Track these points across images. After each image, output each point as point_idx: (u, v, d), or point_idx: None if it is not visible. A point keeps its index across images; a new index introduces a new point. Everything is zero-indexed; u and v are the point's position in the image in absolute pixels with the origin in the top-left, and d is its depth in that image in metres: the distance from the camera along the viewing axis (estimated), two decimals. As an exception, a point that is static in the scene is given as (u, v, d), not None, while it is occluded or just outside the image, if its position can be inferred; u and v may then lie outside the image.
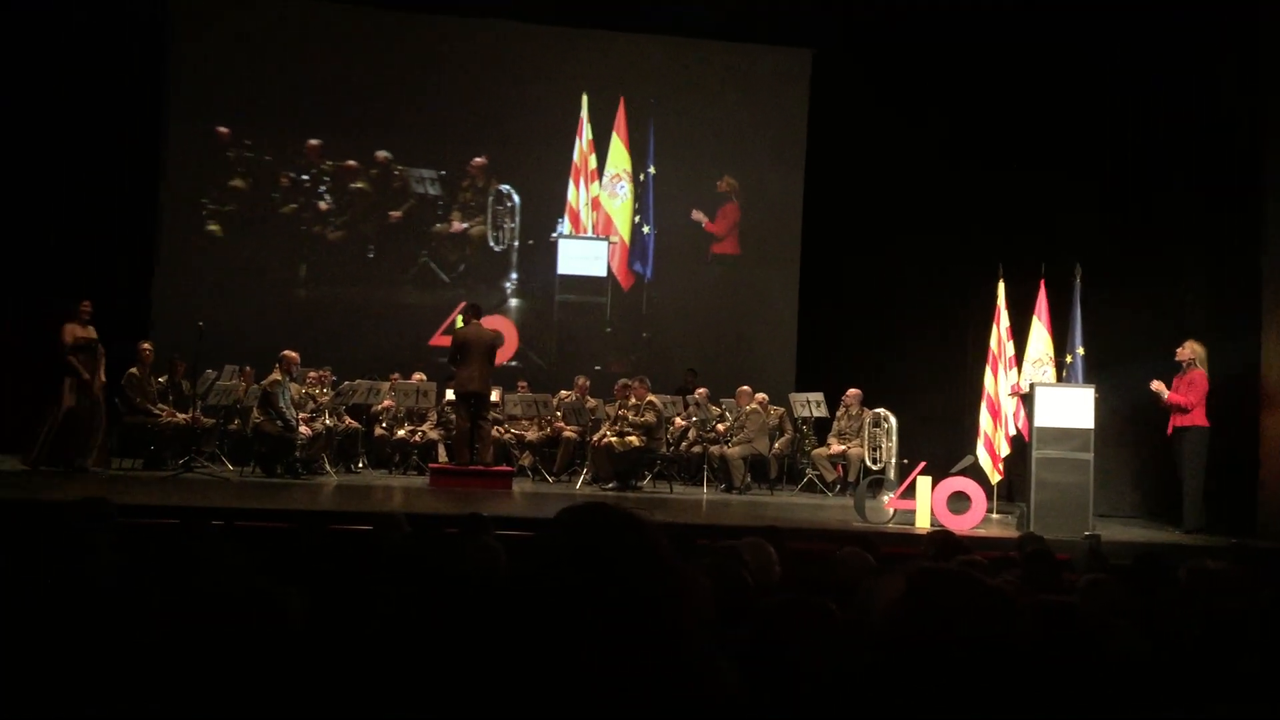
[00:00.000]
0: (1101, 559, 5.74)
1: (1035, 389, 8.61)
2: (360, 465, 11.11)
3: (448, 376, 11.24)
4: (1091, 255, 9.69)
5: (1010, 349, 9.69)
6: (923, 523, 8.38)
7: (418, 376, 11.21)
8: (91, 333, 9.53)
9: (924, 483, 8.53)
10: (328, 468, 10.47)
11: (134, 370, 10.19)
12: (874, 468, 9.81)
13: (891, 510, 8.67)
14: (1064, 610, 2.50)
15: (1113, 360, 9.65)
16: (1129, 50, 10.44)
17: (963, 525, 8.22)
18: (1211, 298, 9.83)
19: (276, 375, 10.08)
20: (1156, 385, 8.83)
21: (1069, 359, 9.33)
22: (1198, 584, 3.67)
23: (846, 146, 12.31)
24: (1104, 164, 10.70)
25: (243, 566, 3.22)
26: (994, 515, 9.25)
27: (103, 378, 9.59)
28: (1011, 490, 10.00)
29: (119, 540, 3.50)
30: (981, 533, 8.20)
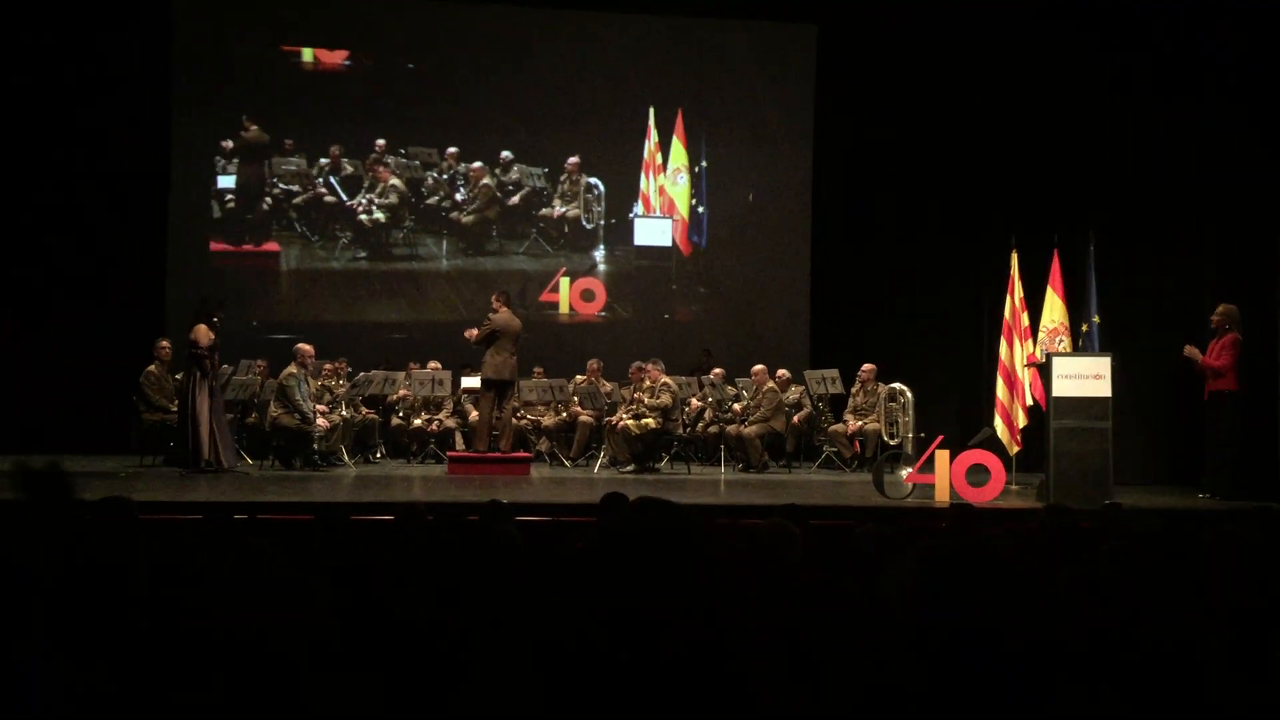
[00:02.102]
0: (1123, 527, 5.71)
1: (1052, 359, 8.55)
2: (378, 455, 11.18)
3: (463, 365, 11.31)
4: (1106, 223, 9.60)
5: (1025, 319, 9.62)
6: (942, 496, 8.37)
7: (433, 365, 11.31)
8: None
9: (942, 456, 8.50)
10: (346, 459, 10.53)
11: (152, 368, 10.23)
12: (891, 443, 9.79)
13: (910, 485, 8.65)
14: (1090, 582, 2.50)
15: (1130, 328, 9.58)
16: (1135, 17, 10.32)
17: (982, 497, 8.21)
18: (1231, 263, 9.74)
19: (292, 369, 10.12)
20: (1190, 350, 8.77)
21: (1084, 328, 9.26)
22: (1222, 550, 3.65)
23: (856, 119, 12.22)
24: (1115, 130, 10.59)
25: (269, 560, 3.23)
26: (1013, 487, 9.21)
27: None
28: (1030, 461, 9.96)
29: (143, 538, 3.53)
30: (1001, 504, 8.19)
